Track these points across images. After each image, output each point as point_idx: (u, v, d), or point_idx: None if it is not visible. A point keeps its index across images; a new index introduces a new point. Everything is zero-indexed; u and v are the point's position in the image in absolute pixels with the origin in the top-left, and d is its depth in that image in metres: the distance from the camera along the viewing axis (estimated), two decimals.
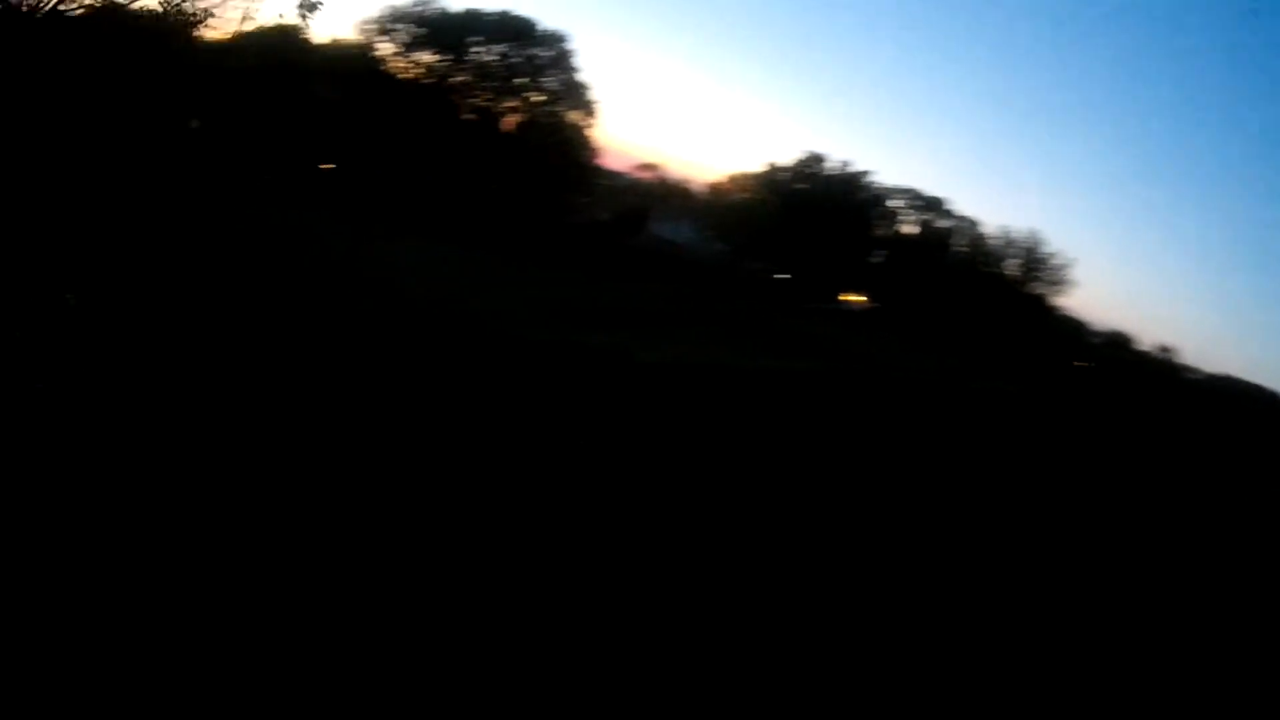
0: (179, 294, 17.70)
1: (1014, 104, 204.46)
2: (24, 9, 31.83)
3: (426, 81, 65.49)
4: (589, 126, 69.64)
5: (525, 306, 29.31)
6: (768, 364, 27.11)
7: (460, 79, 66.19)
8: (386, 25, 64.88)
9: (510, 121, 68.15)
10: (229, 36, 74.76)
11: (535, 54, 66.56)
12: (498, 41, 65.64)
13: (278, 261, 27.48)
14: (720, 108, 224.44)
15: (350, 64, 65.32)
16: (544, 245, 55.94)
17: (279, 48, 73.83)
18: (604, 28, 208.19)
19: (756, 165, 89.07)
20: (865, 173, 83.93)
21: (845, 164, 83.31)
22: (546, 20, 72.03)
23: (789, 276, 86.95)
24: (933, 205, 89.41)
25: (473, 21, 65.20)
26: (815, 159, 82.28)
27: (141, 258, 19.45)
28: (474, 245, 48.43)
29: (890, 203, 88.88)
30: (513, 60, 66.48)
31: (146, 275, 17.89)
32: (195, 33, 65.42)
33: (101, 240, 19.15)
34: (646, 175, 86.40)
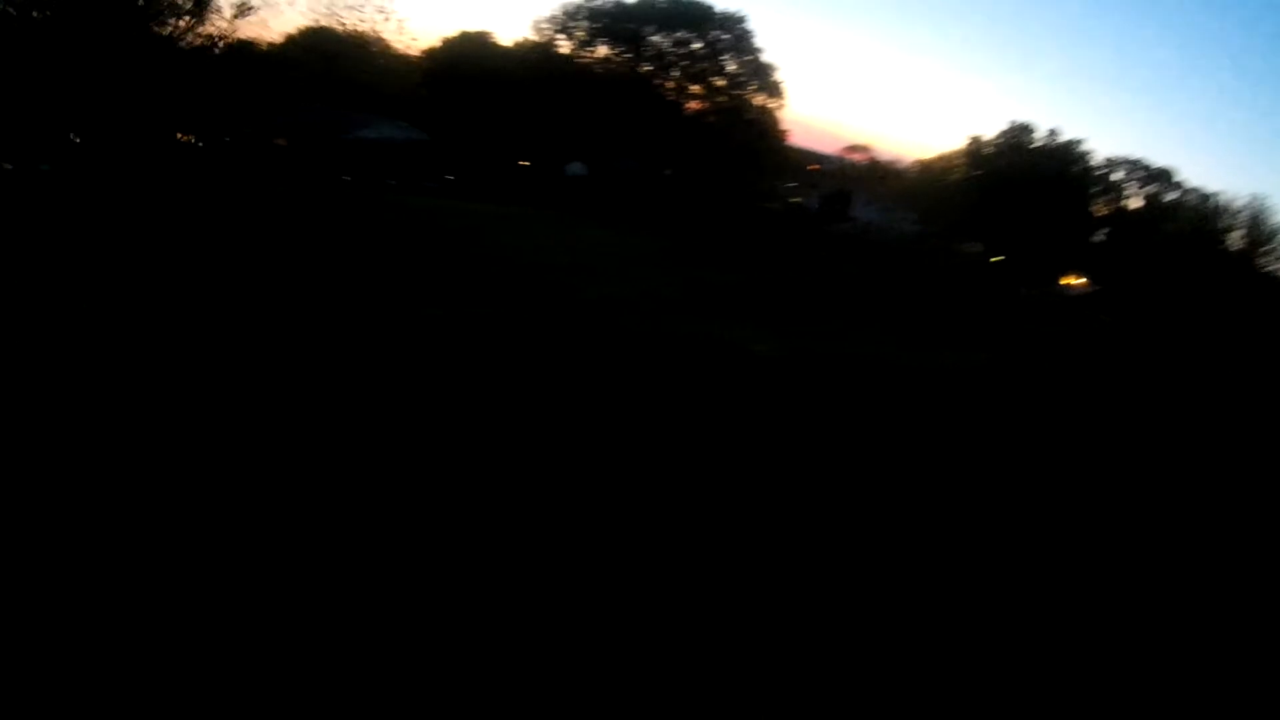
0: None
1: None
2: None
3: (609, 74, 65.05)
4: (778, 108, 67.28)
5: (689, 296, 26.80)
6: (952, 359, 23.51)
7: (643, 69, 65.30)
8: (564, 22, 65.01)
9: (697, 108, 66.69)
10: (421, 50, 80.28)
11: (716, 37, 64.69)
12: (675, 28, 64.16)
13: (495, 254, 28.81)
14: (920, 82, 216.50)
15: (535, 63, 65.90)
16: (737, 234, 53.82)
17: (471, 54, 77.19)
18: (791, 6, 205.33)
19: (962, 140, 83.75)
20: (1077, 141, 76.52)
21: (1053, 133, 76.11)
22: (722, 3, 69.71)
23: (1002, 259, 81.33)
24: (1159, 176, 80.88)
25: (647, 10, 64.06)
26: (1023, 129, 75.79)
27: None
28: (662, 235, 47.04)
29: (1112, 175, 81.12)
30: (693, 46, 64.85)
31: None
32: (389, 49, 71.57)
33: None
34: (853, 156, 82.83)
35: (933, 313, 34.71)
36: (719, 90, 65.65)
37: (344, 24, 50.88)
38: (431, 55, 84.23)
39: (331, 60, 73.27)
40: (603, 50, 65.49)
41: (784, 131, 69.11)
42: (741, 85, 65.82)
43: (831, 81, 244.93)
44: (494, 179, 63.21)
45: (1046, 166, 74.70)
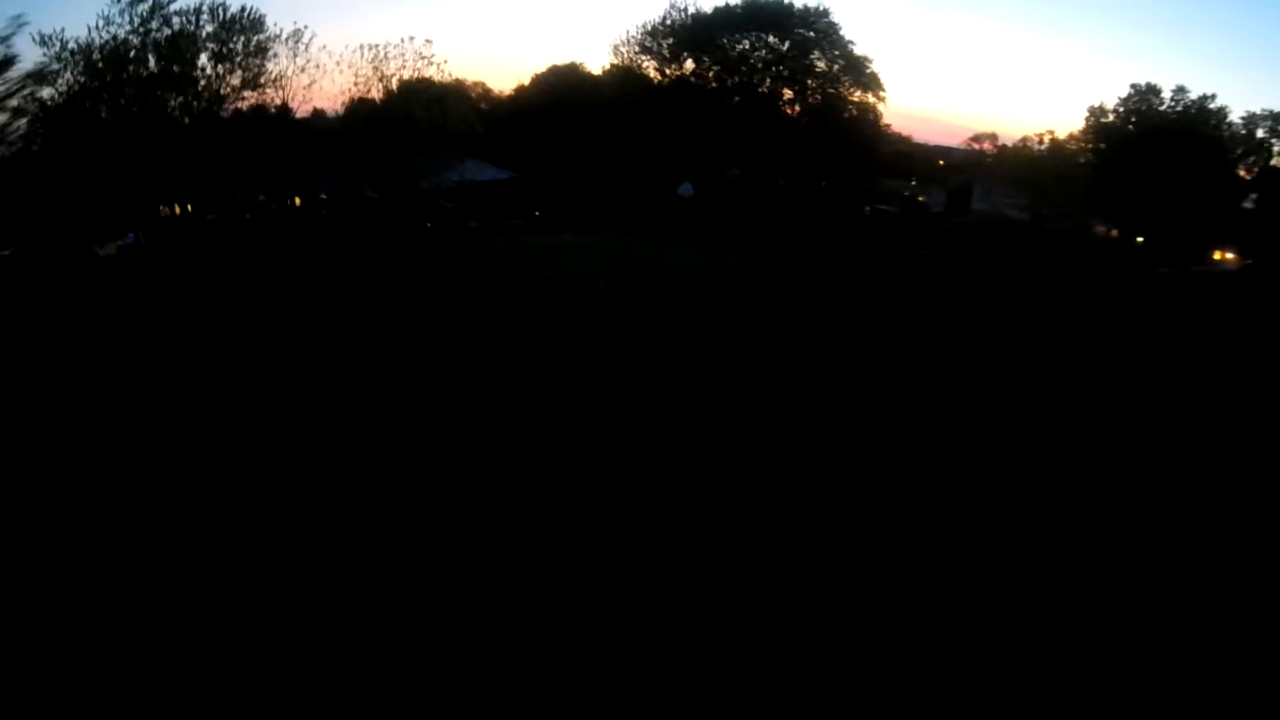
0: None
1: None
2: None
3: (699, 88, 63.09)
4: (879, 102, 63.79)
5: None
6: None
7: (732, 80, 63.02)
8: (644, 43, 63.40)
9: (792, 112, 63.88)
10: (512, 89, 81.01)
11: (802, 35, 61.86)
12: (758, 31, 61.72)
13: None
14: (1029, 57, 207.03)
15: (622, 88, 64.52)
16: (836, 242, 50.92)
17: (560, 86, 76.67)
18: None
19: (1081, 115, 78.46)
20: (1209, 98, 70.32)
21: (1181, 90, 69.91)
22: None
23: (1140, 240, 75.30)
24: None
25: (727, 17, 61.81)
26: (1149, 92, 69.92)
27: None
28: (763, 247, 44.53)
29: (1257, 132, 74.05)
30: (780, 48, 62.25)
31: None
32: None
33: None
34: (978, 146, 78.47)
35: (1048, 308, 30.95)
36: (812, 90, 62.61)
37: (386, 76, 50.81)
38: (521, 92, 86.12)
39: (428, 109, 75.47)
40: (689, 65, 63.36)
41: (887, 126, 65.37)
42: (836, 82, 62.60)
43: (938, 69, 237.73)
44: (590, 208, 61.90)
45: (1179, 131, 68.56)
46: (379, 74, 51.19)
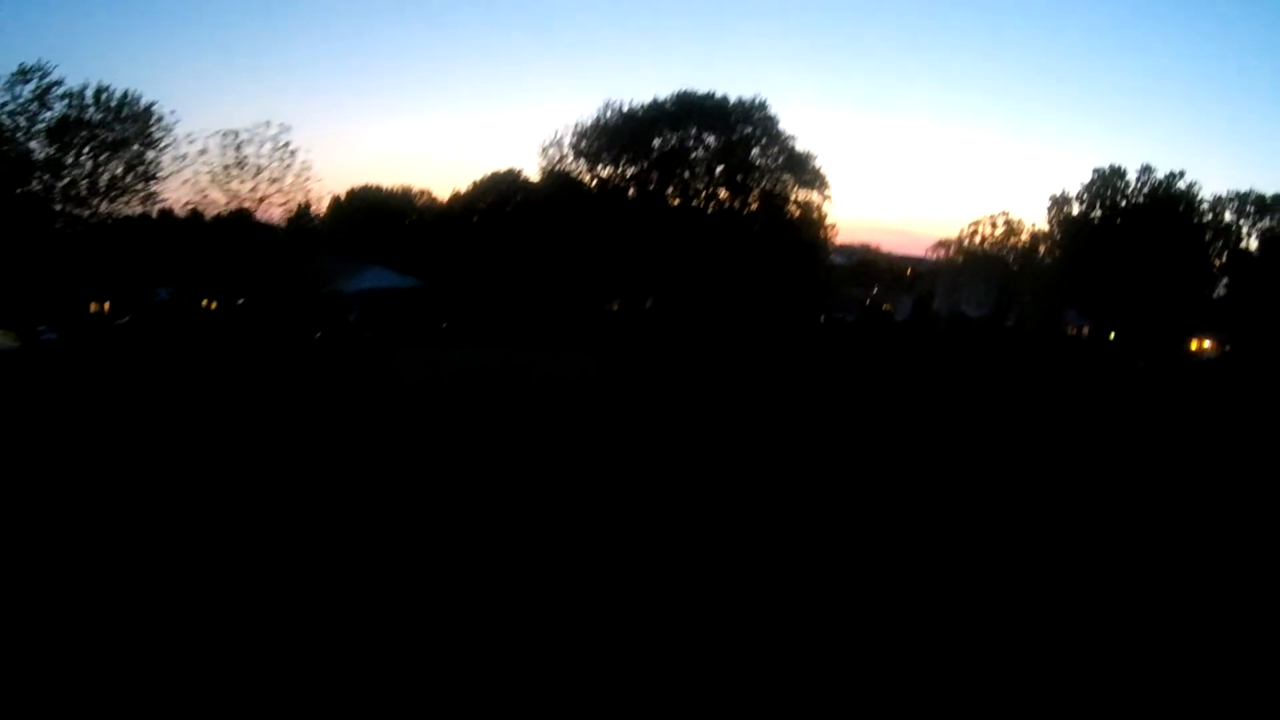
0: None
1: None
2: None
3: (626, 191, 58.41)
4: (825, 199, 59.18)
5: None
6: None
7: (665, 181, 58.29)
8: (576, 144, 58.72)
9: (734, 208, 59.14)
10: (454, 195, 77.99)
11: (741, 130, 57.45)
12: (691, 128, 57.26)
13: None
14: (990, 160, 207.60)
15: (552, 194, 59.93)
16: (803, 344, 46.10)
17: (498, 192, 72.64)
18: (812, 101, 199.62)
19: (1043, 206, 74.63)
20: (1176, 175, 65.80)
21: (1146, 172, 65.82)
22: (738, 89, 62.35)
23: (1112, 334, 71.14)
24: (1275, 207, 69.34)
25: (657, 115, 57.21)
26: (1114, 175, 65.92)
27: None
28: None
29: (1225, 215, 69.94)
30: (714, 144, 57.77)
31: None
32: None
33: None
34: (940, 253, 74.85)
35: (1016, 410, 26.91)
36: (752, 189, 57.97)
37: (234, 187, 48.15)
38: (456, 199, 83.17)
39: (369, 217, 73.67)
40: (619, 168, 58.71)
41: (832, 226, 60.78)
42: (777, 179, 58.04)
43: (906, 180, 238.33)
44: (508, 321, 57.76)
45: (1149, 213, 64.20)
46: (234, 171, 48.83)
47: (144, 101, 45.54)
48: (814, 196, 58.21)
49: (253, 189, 48.77)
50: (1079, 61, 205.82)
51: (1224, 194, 68.58)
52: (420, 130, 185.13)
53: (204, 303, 61.81)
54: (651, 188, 57.84)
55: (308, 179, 50.45)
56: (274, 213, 53.30)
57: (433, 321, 60.74)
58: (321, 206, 63.12)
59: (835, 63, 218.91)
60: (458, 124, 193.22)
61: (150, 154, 45.99)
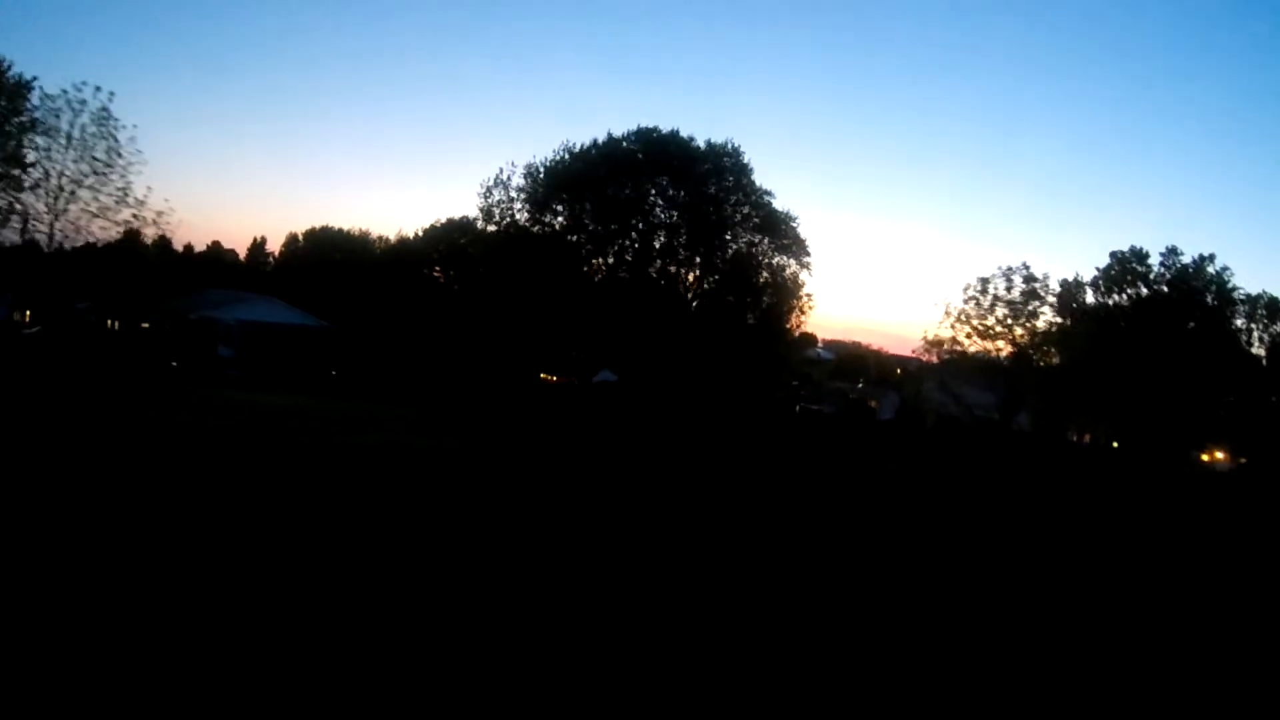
0: None
1: None
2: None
3: (581, 241, 50.13)
4: (803, 267, 50.93)
5: None
6: None
7: (625, 231, 49.96)
8: (524, 187, 50.40)
9: (695, 278, 50.63)
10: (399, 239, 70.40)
11: (717, 181, 49.30)
12: (652, 176, 48.98)
13: None
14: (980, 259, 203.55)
15: (498, 242, 51.70)
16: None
17: (446, 239, 68.96)
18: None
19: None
20: (1206, 259, 56.38)
21: (1172, 255, 56.60)
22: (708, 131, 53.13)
23: (1116, 444, 63.08)
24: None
25: (617, 157, 48.81)
26: (1134, 258, 57.25)
27: None
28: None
29: (1235, 320, 61.55)
30: (676, 194, 49.38)
31: None
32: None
33: None
34: (930, 355, 68.36)
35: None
36: (717, 250, 49.63)
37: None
38: (402, 243, 79.34)
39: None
40: (570, 218, 50.32)
41: (809, 296, 52.16)
42: (750, 241, 49.86)
43: (898, 282, 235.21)
44: (414, 377, 51.14)
45: (1173, 306, 55.73)
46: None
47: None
48: (791, 264, 49.95)
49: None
50: (1070, 178, 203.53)
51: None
52: (403, 170, 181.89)
53: (109, 322, 63.06)
54: (602, 244, 49.65)
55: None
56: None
57: (326, 367, 55.08)
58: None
59: (829, 165, 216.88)
60: (440, 165, 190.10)
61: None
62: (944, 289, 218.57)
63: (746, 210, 48.80)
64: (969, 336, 55.32)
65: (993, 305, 55.05)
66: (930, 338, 56.60)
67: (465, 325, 55.42)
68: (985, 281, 55.45)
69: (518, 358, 55.02)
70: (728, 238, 49.36)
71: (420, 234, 74.77)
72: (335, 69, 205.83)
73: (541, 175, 49.47)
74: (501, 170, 50.33)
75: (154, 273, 57.69)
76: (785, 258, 49.70)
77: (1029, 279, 55.40)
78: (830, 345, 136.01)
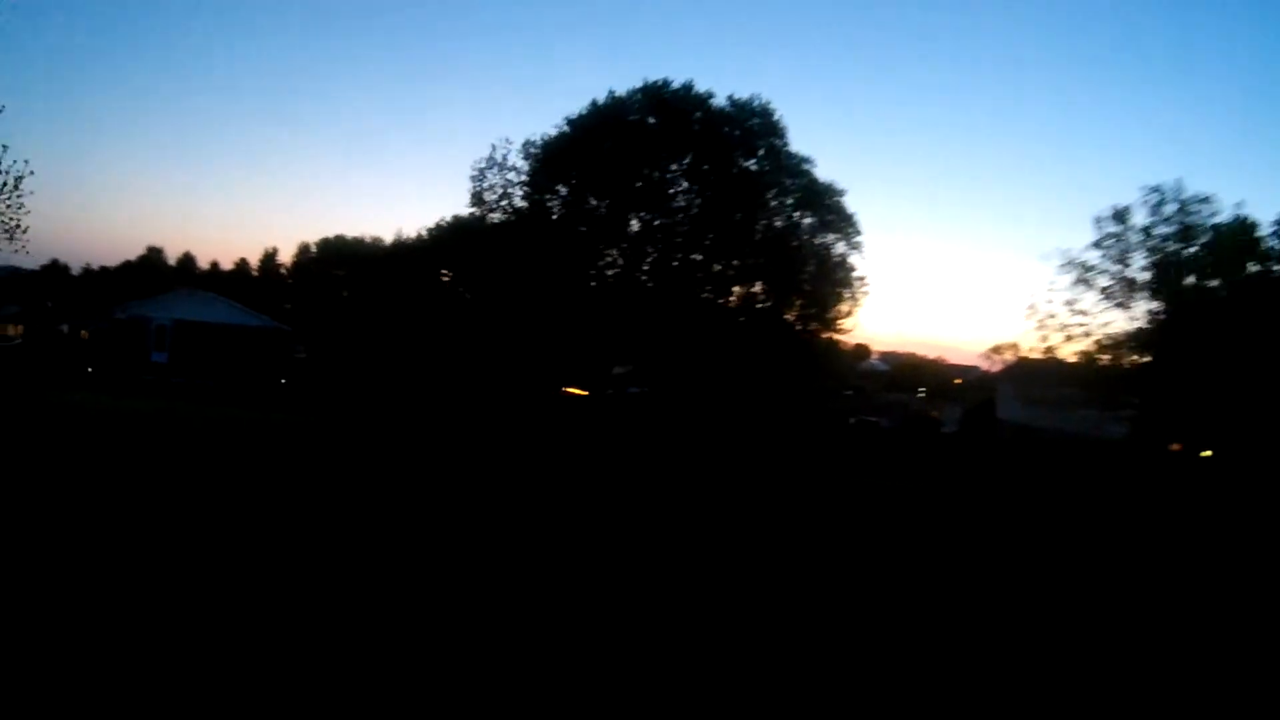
0: None
1: None
2: None
3: (583, 218, 42.20)
4: (852, 247, 42.26)
5: None
6: None
7: (626, 207, 41.88)
8: (520, 173, 42.69)
9: (725, 266, 42.31)
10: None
11: (746, 143, 40.92)
12: (662, 131, 40.48)
13: None
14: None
15: (501, 235, 44.02)
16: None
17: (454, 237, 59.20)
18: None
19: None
20: None
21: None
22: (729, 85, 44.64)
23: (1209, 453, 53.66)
24: None
25: (615, 114, 40.76)
26: (1243, 229, 45.89)
27: None
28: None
29: None
30: (695, 164, 41.02)
31: None
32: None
33: None
34: (993, 360, 61.36)
35: None
36: (748, 233, 41.13)
37: None
38: (397, 246, 72.32)
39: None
40: (580, 204, 42.26)
41: (862, 280, 42.91)
42: (788, 219, 41.49)
43: (958, 298, 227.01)
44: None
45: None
46: None
47: None
48: (839, 245, 41.44)
49: None
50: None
51: None
52: (422, 173, 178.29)
53: (81, 332, 63.34)
54: (613, 233, 41.73)
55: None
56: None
57: (278, 373, 50.71)
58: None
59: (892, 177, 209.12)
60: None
61: None
62: (992, 302, 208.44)
63: (784, 181, 40.33)
64: (1064, 329, 44.13)
65: (1127, 251, 43.36)
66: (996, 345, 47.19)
67: (462, 328, 48.52)
68: (1121, 216, 42.08)
69: (523, 365, 47.72)
70: (764, 221, 40.92)
71: (424, 234, 68.22)
72: (341, 74, 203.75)
73: (539, 154, 41.73)
74: (495, 149, 42.62)
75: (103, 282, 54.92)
76: (831, 236, 41.21)
77: (1185, 205, 40.96)
78: (884, 357, 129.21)
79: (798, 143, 42.95)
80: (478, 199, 43.43)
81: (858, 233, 41.44)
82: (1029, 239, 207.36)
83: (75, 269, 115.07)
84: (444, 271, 63.31)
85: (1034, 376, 54.05)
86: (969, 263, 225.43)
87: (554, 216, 42.29)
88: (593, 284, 41.72)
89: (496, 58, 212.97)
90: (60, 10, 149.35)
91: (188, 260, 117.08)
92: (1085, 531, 20.44)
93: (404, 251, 66.97)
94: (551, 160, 41.10)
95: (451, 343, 50.37)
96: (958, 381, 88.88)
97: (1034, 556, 16.18)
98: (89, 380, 41.27)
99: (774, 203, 40.55)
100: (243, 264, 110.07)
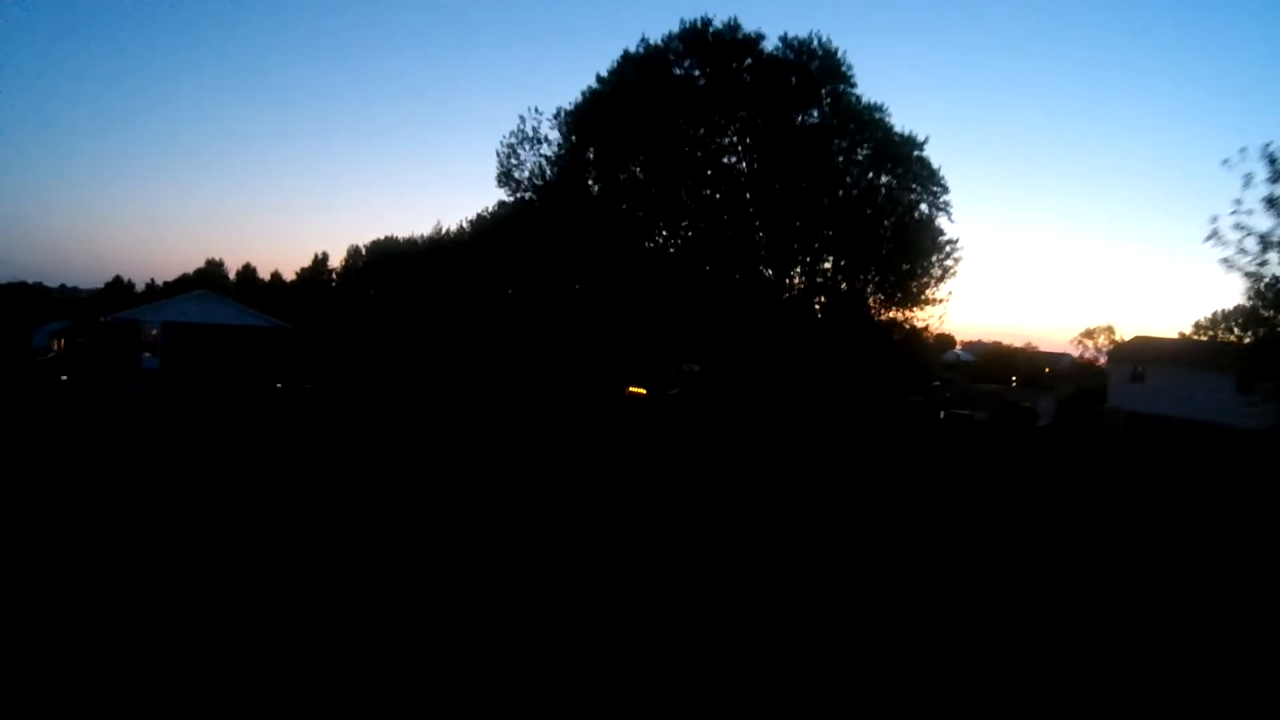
0: None
1: None
2: None
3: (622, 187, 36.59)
4: (941, 212, 35.50)
5: None
6: None
7: (694, 186, 35.99)
8: (553, 145, 37.22)
9: (799, 242, 36.07)
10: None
11: (807, 93, 34.54)
12: (716, 99, 34.06)
13: None
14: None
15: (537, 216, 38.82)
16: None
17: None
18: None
19: None
20: None
21: None
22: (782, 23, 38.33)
23: None
24: None
25: (655, 72, 34.51)
26: None
27: None
28: None
29: None
30: (751, 128, 34.61)
31: None
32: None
33: None
34: (1085, 345, 56.33)
35: None
36: (825, 200, 34.63)
37: None
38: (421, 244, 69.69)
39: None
40: (618, 176, 36.59)
41: (953, 245, 36.07)
42: (862, 179, 35.02)
43: (1042, 288, 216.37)
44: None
45: None
46: None
47: None
48: (923, 208, 34.96)
49: None
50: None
51: None
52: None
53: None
54: (660, 209, 35.97)
55: None
56: None
57: (276, 377, 46.88)
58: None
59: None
60: None
61: None
62: (1072, 287, 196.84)
63: (854, 135, 33.92)
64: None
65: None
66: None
67: (505, 326, 43.92)
68: None
69: (573, 365, 42.77)
70: (833, 186, 34.54)
71: (466, 225, 63.74)
72: (382, 74, 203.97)
73: (569, 122, 36.26)
74: (524, 121, 37.18)
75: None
76: (914, 196, 34.74)
77: None
78: (967, 348, 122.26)
79: (867, 88, 36.68)
80: (506, 177, 38.18)
81: (945, 191, 35.03)
82: (1112, 219, 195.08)
83: (140, 285, 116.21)
84: (485, 264, 59.07)
85: (1157, 357, 47.87)
86: (1046, 246, 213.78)
87: (593, 193, 36.86)
88: (641, 269, 36.17)
89: (526, 16, 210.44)
90: (119, 40, 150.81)
91: (248, 271, 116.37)
92: (1213, 546, 16.22)
93: (444, 246, 62.64)
94: (583, 127, 35.57)
95: (493, 342, 45.79)
96: (1046, 370, 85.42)
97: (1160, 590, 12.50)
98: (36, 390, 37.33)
99: (843, 161, 34.12)
100: (301, 273, 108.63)
